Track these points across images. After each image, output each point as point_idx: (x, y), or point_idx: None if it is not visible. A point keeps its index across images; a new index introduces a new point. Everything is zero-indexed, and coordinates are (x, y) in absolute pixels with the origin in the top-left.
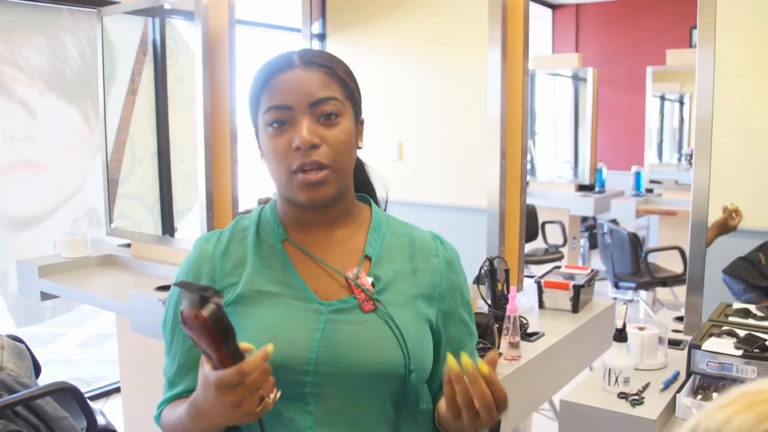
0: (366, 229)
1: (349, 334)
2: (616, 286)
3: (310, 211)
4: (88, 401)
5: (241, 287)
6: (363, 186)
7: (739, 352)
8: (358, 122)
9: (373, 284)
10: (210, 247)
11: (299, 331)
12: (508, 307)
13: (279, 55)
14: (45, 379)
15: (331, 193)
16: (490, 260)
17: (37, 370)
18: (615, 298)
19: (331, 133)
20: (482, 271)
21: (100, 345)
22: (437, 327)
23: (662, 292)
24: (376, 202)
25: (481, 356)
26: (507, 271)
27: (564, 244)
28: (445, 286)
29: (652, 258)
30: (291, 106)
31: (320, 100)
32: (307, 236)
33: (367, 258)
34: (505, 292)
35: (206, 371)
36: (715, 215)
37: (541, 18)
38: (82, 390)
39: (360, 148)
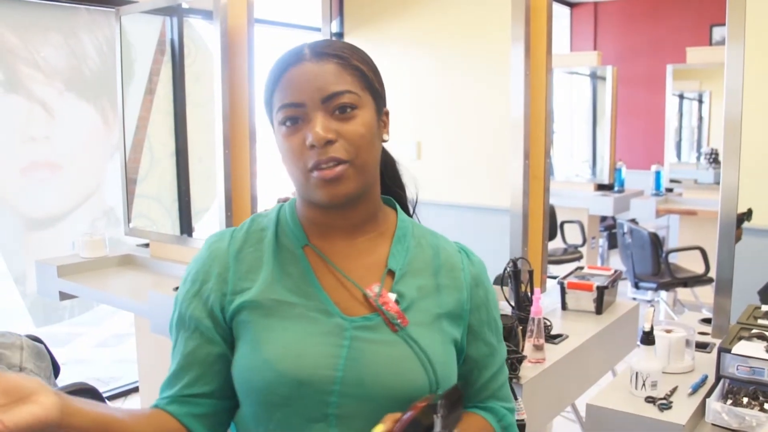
0: (390, 238)
1: (375, 355)
2: (636, 286)
3: (332, 214)
4: (107, 402)
5: (256, 293)
6: (393, 185)
7: None
8: (381, 114)
9: (397, 301)
10: (223, 246)
11: (323, 346)
12: (532, 309)
13: (292, 48)
14: (63, 379)
15: (352, 189)
16: (514, 261)
17: (56, 370)
18: (635, 299)
19: (348, 126)
20: (506, 272)
21: (118, 345)
22: (462, 345)
23: (683, 293)
24: (406, 203)
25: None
26: (531, 273)
27: (583, 244)
28: (472, 303)
29: (672, 258)
30: (302, 102)
31: (333, 95)
32: (328, 242)
33: (390, 272)
34: (529, 294)
35: None
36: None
37: (559, 16)
38: (100, 390)
39: (385, 141)
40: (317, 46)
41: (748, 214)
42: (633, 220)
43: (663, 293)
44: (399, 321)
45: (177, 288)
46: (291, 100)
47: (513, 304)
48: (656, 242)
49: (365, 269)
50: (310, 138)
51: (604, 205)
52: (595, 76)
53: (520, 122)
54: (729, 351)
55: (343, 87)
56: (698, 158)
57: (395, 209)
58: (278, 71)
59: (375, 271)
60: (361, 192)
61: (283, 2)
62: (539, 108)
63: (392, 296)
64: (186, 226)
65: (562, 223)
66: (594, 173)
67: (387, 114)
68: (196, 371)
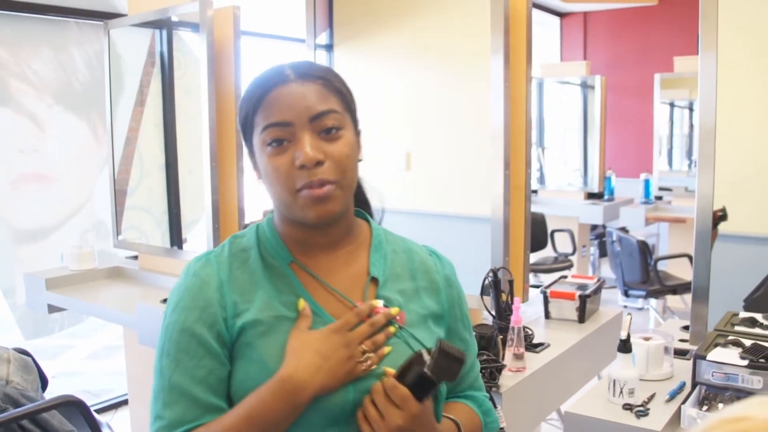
0: (367, 248)
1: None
2: (626, 294)
3: (313, 232)
4: (95, 414)
5: (256, 313)
6: (359, 201)
7: (745, 363)
8: (357, 134)
9: (385, 305)
10: (212, 271)
11: None
12: (512, 318)
13: (270, 69)
14: (53, 392)
15: (339, 208)
16: (494, 271)
17: (43, 383)
18: (625, 306)
19: (335, 147)
20: (486, 282)
21: (108, 357)
22: None
23: (672, 300)
24: (372, 216)
25: (485, 369)
26: (511, 282)
27: (573, 253)
28: (448, 303)
29: (661, 266)
30: (290, 122)
31: (321, 114)
32: (311, 258)
33: (373, 279)
34: (510, 303)
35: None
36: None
37: (548, 26)
38: (91, 402)
39: (360, 160)
40: (300, 67)
41: (723, 215)
42: (623, 229)
43: (652, 300)
44: (397, 323)
45: (165, 300)
46: (278, 119)
47: (493, 313)
48: (645, 250)
49: (349, 280)
50: (301, 158)
51: (594, 213)
52: (584, 86)
53: (500, 132)
54: (704, 358)
55: (329, 106)
56: (690, 166)
57: (367, 220)
58: (260, 91)
59: (358, 280)
60: (344, 210)
61: (269, 15)
62: (519, 118)
63: (380, 302)
64: (176, 239)
65: (552, 232)
66: (584, 182)
67: (360, 134)
68: (213, 399)
